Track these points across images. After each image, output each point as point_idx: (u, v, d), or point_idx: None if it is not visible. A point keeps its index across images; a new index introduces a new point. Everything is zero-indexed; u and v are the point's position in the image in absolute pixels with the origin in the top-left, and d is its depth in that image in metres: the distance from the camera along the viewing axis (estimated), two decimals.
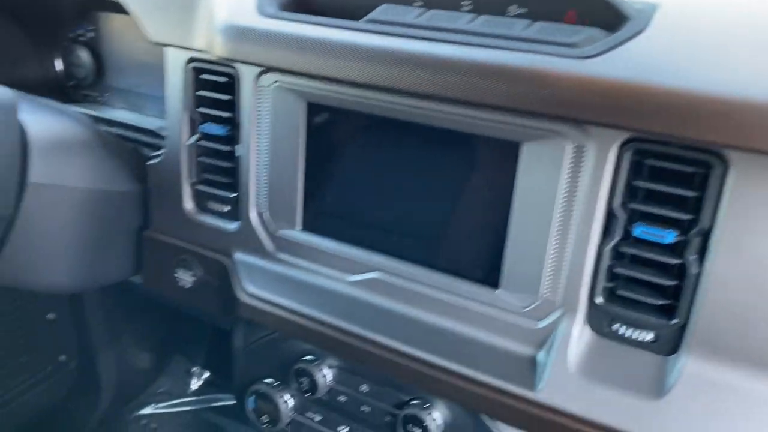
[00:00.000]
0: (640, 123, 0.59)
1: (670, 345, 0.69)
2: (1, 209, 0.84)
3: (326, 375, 0.88)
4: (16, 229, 0.87)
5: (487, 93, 0.64)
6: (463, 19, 0.69)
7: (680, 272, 0.67)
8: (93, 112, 1.12)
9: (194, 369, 1.75)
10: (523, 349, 0.74)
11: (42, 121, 0.90)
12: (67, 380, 1.58)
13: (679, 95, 0.57)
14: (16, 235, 0.88)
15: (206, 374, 1.75)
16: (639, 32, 0.62)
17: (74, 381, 1.58)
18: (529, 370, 0.73)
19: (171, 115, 0.93)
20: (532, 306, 0.73)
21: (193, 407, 1.72)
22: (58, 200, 0.90)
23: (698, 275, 0.65)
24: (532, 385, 0.72)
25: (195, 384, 1.75)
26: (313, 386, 0.87)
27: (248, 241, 0.91)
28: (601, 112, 0.60)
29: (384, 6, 0.74)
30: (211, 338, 1.73)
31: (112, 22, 1.15)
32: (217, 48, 0.79)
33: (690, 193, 0.64)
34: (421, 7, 0.74)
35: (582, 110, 0.60)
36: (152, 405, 1.71)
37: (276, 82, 0.82)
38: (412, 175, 0.78)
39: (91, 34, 1.17)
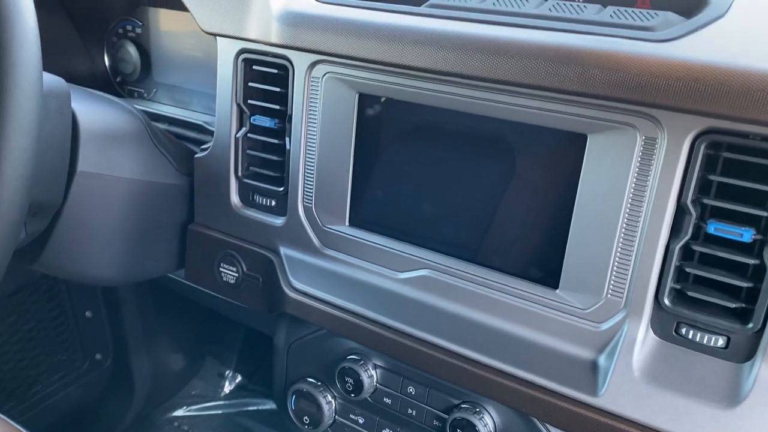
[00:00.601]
0: (720, 108, 0.56)
1: (743, 351, 0.65)
2: (51, 196, 0.84)
3: (372, 375, 0.85)
4: (63, 217, 0.87)
5: (558, 77, 0.61)
6: (530, 4, 0.66)
7: (756, 273, 0.63)
8: (140, 107, 1.12)
9: (227, 372, 1.75)
10: (584, 352, 0.71)
11: (93, 111, 0.90)
12: (102, 379, 1.58)
13: (763, 78, 0.54)
14: (64, 224, 0.87)
15: (238, 378, 1.74)
16: (719, 17, 0.59)
17: (108, 380, 1.58)
18: (590, 374, 0.69)
19: (221, 107, 0.92)
20: (595, 307, 0.70)
21: (225, 410, 1.72)
22: (106, 190, 0.90)
23: None
24: (593, 390, 0.68)
25: (227, 387, 1.74)
26: (358, 386, 0.85)
27: (295, 236, 0.89)
28: (680, 97, 0.57)
29: None
30: (243, 342, 1.72)
31: (159, 17, 1.15)
32: (273, 35, 0.78)
33: None
34: None
35: (659, 95, 0.57)
36: (184, 407, 1.71)
37: (328, 72, 0.81)
38: (468, 169, 0.76)
39: (138, 30, 1.18)
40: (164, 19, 1.15)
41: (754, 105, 0.54)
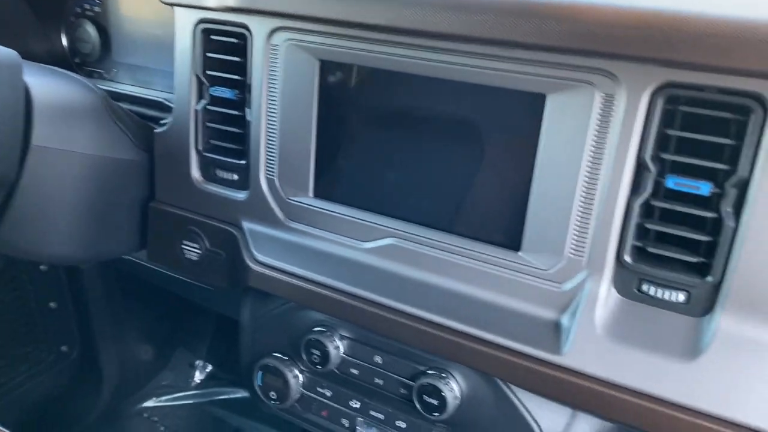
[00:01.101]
0: (677, 54, 0.56)
1: (703, 305, 0.65)
2: (4, 171, 0.81)
3: (338, 346, 0.84)
4: (18, 194, 0.84)
5: (516, 31, 0.61)
6: None
7: (715, 227, 0.64)
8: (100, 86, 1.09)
9: (197, 362, 1.73)
10: (547, 312, 0.71)
11: (47, 84, 0.88)
12: (69, 371, 1.55)
13: (717, 22, 0.54)
14: (18, 201, 0.85)
15: (209, 367, 1.72)
16: None
17: (76, 372, 1.55)
18: (553, 334, 0.70)
19: (179, 80, 0.90)
20: (556, 268, 0.70)
21: (196, 400, 1.70)
22: (62, 165, 0.88)
23: (735, 229, 0.62)
24: (557, 349, 0.68)
25: (198, 377, 1.72)
26: (325, 358, 0.84)
27: (258, 209, 0.88)
28: (637, 46, 0.57)
29: None
30: (214, 331, 1.70)
31: None
32: None
33: (727, 141, 0.61)
34: None
35: (617, 45, 0.58)
36: (154, 398, 1.69)
37: (288, 40, 0.80)
38: (430, 134, 0.75)
39: (97, 9, 1.15)
40: None
41: (708, 50, 0.54)
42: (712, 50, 0.54)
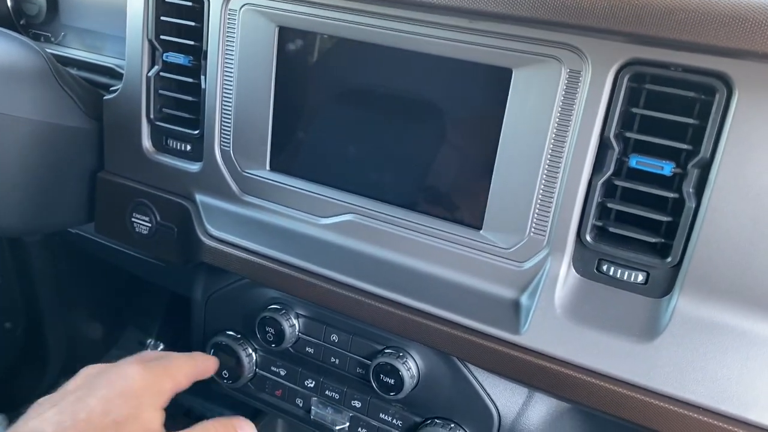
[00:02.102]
0: (643, 28, 0.55)
1: (662, 286, 0.65)
2: None
3: (294, 324, 0.82)
4: None
5: (484, 0, 0.59)
6: None
7: (676, 208, 0.64)
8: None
9: (149, 341, 1.68)
10: (507, 291, 0.70)
11: None
12: (13, 349, 1.49)
13: None
14: None
15: (161, 346, 1.68)
16: None
17: (20, 350, 1.50)
18: (512, 313, 0.69)
19: (131, 45, 0.86)
20: (517, 246, 0.69)
21: None
22: (6, 131, 0.83)
23: (695, 210, 0.62)
24: (516, 329, 0.67)
25: None
26: (280, 337, 0.81)
27: (212, 182, 0.85)
28: (605, 18, 0.56)
29: None
30: (166, 309, 1.66)
31: None
32: None
33: (690, 121, 0.61)
34: None
35: (584, 16, 0.56)
36: None
37: (246, 4, 0.76)
38: (392, 108, 0.73)
39: None
40: None
41: (676, 25, 0.54)
42: (680, 25, 0.53)
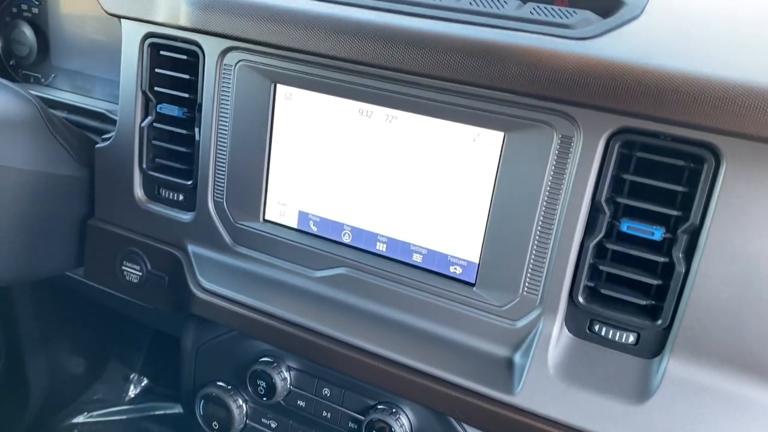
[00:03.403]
0: (636, 106, 0.56)
1: (653, 347, 0.66)
2: None
3: (285, 378, 0.82)
4: None
5: (478, 72, 0.60)
6: None
7: (666, 271, 0.65)
8: (36, 93, 1.04)
9: (132, 375, 1.66)
10: (500, 350, 0.71)
11: None
12: None
13: (678, 77, 0.55)
14: None
15: (144, 381, 1.66)
16: (635, 17, 0.60)
17: (1, 385, 1.47)
18: (506, 372, 0.69)
19: (124, 94, 0.86)
20: (510, 305, 0.70)
21: (130, 416, 1.64)
22: None
23: (685, 274, 0.63)
24: (509, 389, 0.68)
25: (132, 391, 1.66)
26: (271, 390, 0.81)
27: (204, 232, 0.85)
28: (597, 95, 0.57)
29: None
30: (150, 343, 1.65)
31: None
32: (183, 17, 0.73)
33: (680, 188, 0.62)
34: None
35: (577, 92, 0.57)
36: (85, 413, 1.62)
37: (242, 60, 0.77)
38: (386, 164, 0.74)
39: (35, 9, 1.09)
40: (64, 0, 1.07)
41: (668, 104, 0.55)
42: (673, 105, 0.55)
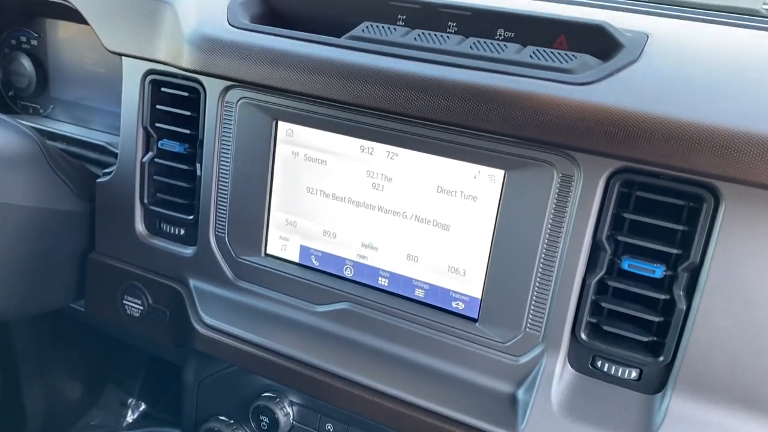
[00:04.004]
0: (637, 153, 0.57)
1: (655, 383, 0.67)
2: None
3: (288, 413, 0.82)
4: None
5: (480, 117, 0.61)
6: (451, 41, 0.66)
7: (667, 308, 0.65)
8: (35, 125, 1.04)
9: (130, 401, 1.65)
10: (503, 386, 0.71)
11: None
12: None
13: (679, 125, 0.55)
14: None
15: (142, 406, 1.65)
16: (633, 61, 0.60)
17: None
18: (509, 408, 0.69)
19: (125, 130, 0.86)
20: (513, 341, 0.70)
21: None
22: None
23: (686, 311, 0.64)
24: (513, 425, 0.68)
25: (130, 416, 1.65)
26: (274, 425, 0.81)
27: (206, 267, 0.85)
28: (599, 141, 0.58)
29: (365, 23, 0.71)
30: (147, 368, 1.64)
31: (58, 28, 1.08)
32: (185, 59, 0.74)
33: (679, 227, 0.63)
34: (404, 26, 0.71)
35: (579, 138, 0.58)
36: None
37: (243, 98, 0.78)
38: (387, 200, 0.74)
39: (34, 42, 1.10)
40: (63, 31, 1.08)
41: (669, 151, 0.56)
42: (675, 152, 0.56)
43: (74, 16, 0.88)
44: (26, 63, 1.09)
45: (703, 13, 0.73)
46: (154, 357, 1.53)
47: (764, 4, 0.88)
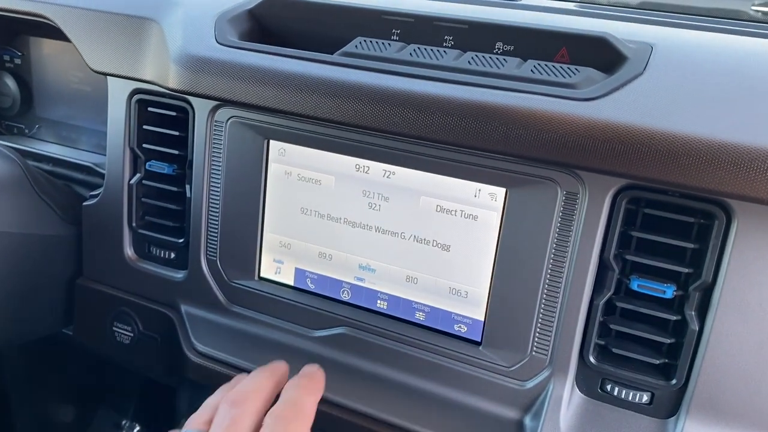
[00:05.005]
0: (645, 170, 0.55)
1: (668, 407, 0.64)
2: None
3: None
4: None
5: (482, 136, 0.58)
6: (448, 56, 0.63)
7: (678, 329, 0.63)
8: (19, 146, 1.01)
9: (124, 422, 1.62)
10: (509, 412, 0.68)
11: None
12: None
13: (689, 141, 0.53)
14: None
15: (137, 428, 1.62)
16: (638, 74, 0.58)
17: None
18: None
19: (112, 151, 0.83)
20: (519, 365, 0.68)
21: None
22: None
23: (699, 332, 0.61)
24: None
25: None
26: None
27: (197, 291, 0.82)
28: (605, 159, 0.55)
29: (359, 39, 0.68)
30: (141, 388, 1.60)
31: (42, 47, 1.05)
32: (171, 79, 0.71)
33: (690, 245, 0.60)
34: (398, 41, 0.68)
35: (584, 156, 0.56)
36: None
37: (233, 117, 0.75)
38: (384, 220, 0.72)
39: (17, 60, 1.07)
40: (47, 49, 1.05)
41: (679, 168, 0.53)
42: (684, 170, 0.53)
43: (58, 34, 0.85)
44: (10, 82, 1.07)
45: (706, 21, 0.71)
46: (149, 378, 1.50)
47: (752, 6, 0.86)
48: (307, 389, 0.60)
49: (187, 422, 0.59)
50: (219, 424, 0.56)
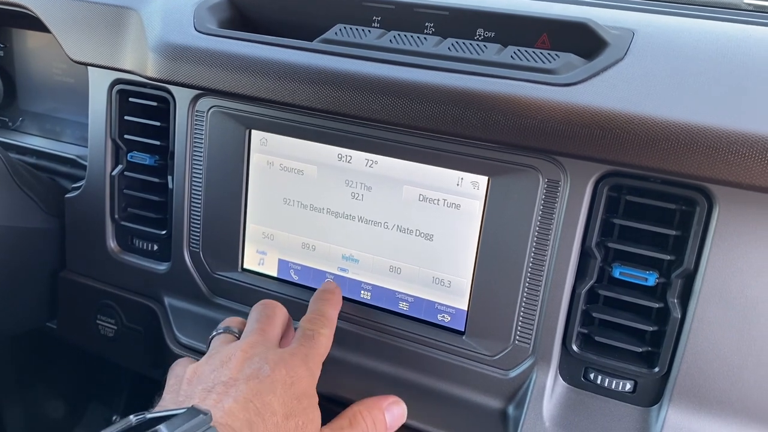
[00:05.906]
0: (624, 156, 0.54)
1: (650, 395, 0.64)
2: None
3: None
4: None
5: (461, 123, 0.57)
6: (428, 42, 0.63)
7: (661, 316, 0.63)
8: (2, 139, 1.00)
9: (114, 417, 1.61)
10: (493, 401, 0.68)
11: None
12: None
13: (668, 126, 0.52)
14: None
15: None
16: (619, 60, 0.57)
17: None
18: (500, 425, 0.66)
19: (93, 143, 0.83)
20: (502, 354, 0.67)
21: None
22: None
23: (681, 320, 0.61)
24: None
25: None
26: None
27: (181, 283, 0.82)
28: (585, 145, 0.55)
29: (339, 26, 0.68)
30: (132, 384, 1.60)
31: (25, 39, 1.04)
32: (150, 68, 0.70)
33: (671, 232, 0.60)
34: (379, 28, 0.68)
35: (564, 142, 0.55)
36: None
37: (214, 106, 0.74)
38: (367, 210, 0.71)
39: (0, 53, 1.06)
40: (30, 41, 1.04)
41: (659, 154, 0.53)
42: (664, 154, 0.53)
43: (40, 25, 0.84)
44: None
45: (687, 7, 0.70)
46: (139, 373, 1.50)
47: None
48: (330, 302, 0.69)
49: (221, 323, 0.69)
50: (256, 318, 0.65)
